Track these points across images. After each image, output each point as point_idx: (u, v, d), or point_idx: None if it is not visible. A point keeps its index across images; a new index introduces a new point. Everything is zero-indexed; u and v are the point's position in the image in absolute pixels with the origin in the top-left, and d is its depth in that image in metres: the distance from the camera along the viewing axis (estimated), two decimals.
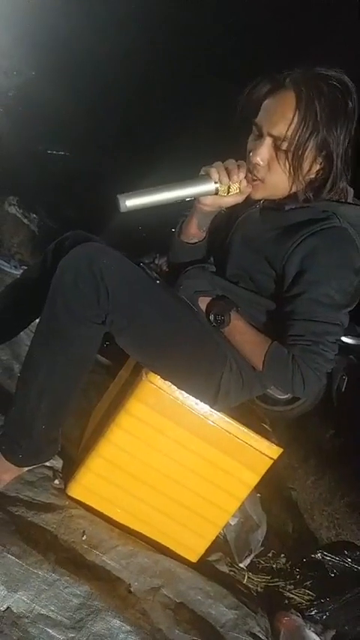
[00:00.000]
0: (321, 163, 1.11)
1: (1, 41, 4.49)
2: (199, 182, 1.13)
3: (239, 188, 1.14)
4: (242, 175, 1.14)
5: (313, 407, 3.11)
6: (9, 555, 1.03)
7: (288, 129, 1.06)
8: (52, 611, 1.01)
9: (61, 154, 4.01)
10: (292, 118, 1.06)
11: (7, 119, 4.11)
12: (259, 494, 1.71)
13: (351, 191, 1.18)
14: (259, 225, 1.21)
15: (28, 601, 1.00)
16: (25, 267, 2.50)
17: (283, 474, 2.29)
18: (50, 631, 0.98)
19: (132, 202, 1.06)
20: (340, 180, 1.12)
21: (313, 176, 1.13)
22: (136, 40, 5.16)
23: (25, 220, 3.35)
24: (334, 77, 1.08)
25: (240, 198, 1.17)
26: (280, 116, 1.07)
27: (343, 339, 2.97)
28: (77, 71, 4.83)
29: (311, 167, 1.11)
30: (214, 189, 1.13)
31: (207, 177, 1.13)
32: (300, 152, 1.07)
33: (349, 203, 1.15)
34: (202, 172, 1.14)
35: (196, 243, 1.29)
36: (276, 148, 1.10)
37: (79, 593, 1.06)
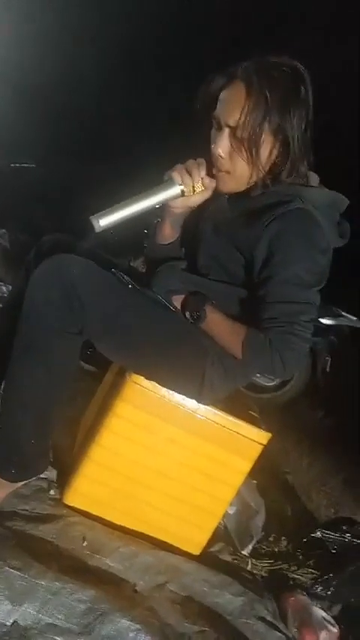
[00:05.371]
0: (279, 149, 1.13)
1: None
2: (165, 187, 1.16)
3: (203, 184, 1.17)
4: (203, 172, 1.17)
5: (301, 391, 3.16)
6: (10, 569, 1.03)
7: (241, 116, 1.08)
8: (60, 619, 1.02)
9: (26, 165, 3.97)
10: (244, 105, 1.08)
11: None
12: (255, 481, 1.73)
13: (315, 176, 1.20)
14: (227, 213, 1.23)
15: (35, 612, 1.00)
16: None
17: (277, 459, 2.31)
18: (59, 639, 0.98)
19: (105, 221, 1.10)
20: (300, 164, 1.14)
21: (272, 162, 1.15)
22: (97, 42, 5.11)
23: None
24: (286, 64, 1.10)
25: (207, 194, 1.20)
26: (234, 105, 1.10)
27: (323, 320, 3.02)
28: (34, 79, 4.78)
29: (270, 153, 1.13)
30: (180, 192, 1.17)
31: (171, 182, 1.16)
32: (255, 137, 1.09)
33: (312, 186, 1.18)
34: (165, 177, 1.17)
35: (171, 242, 1.31)
36: (234, 137, 1.11)
37: (84, 598, 1.06)
